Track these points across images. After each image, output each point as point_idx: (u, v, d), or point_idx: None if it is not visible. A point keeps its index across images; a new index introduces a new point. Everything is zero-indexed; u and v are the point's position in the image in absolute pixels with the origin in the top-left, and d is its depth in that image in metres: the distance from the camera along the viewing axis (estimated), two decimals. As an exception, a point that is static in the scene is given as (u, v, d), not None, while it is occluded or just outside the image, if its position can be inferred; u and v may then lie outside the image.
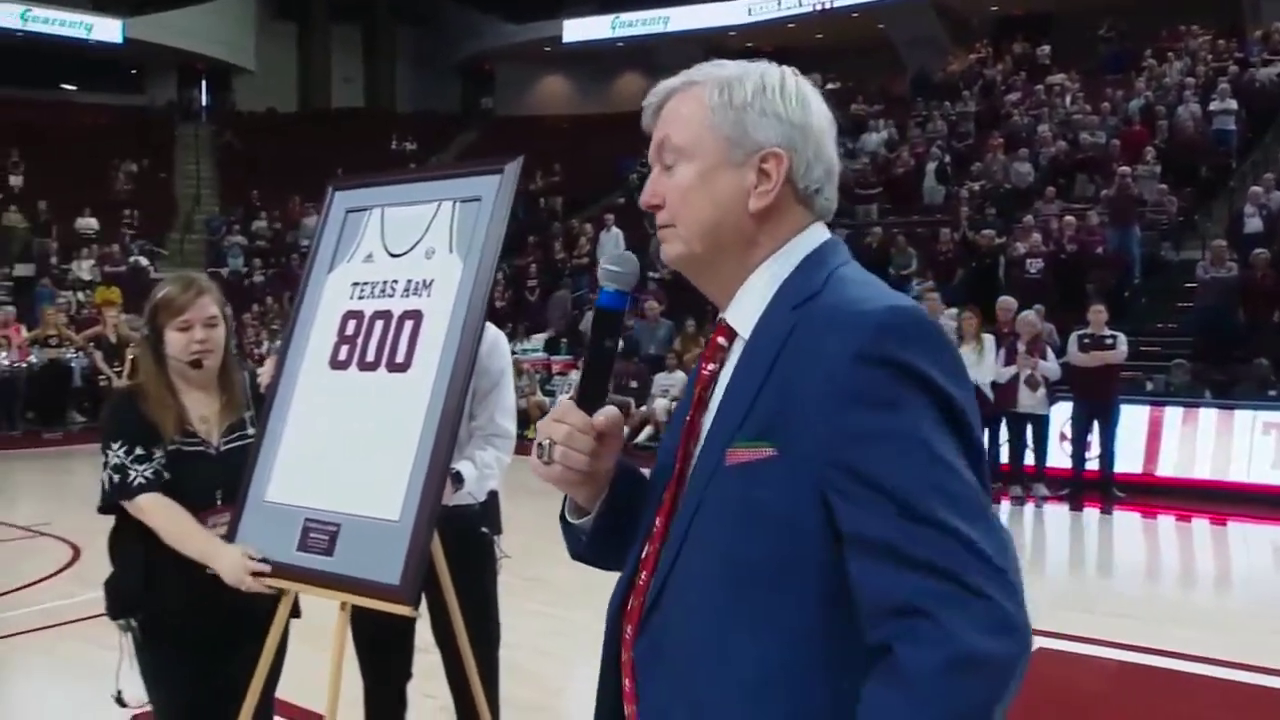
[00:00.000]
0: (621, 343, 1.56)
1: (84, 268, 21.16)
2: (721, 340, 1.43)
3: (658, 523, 1.42)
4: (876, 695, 1.19)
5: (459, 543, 3.14)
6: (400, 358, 2.67)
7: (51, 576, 7.30)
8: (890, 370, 1.24)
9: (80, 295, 19.90)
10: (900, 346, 1.24)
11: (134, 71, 31.76)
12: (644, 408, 14.09)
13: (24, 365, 16.03)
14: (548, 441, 1.44)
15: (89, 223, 23.03)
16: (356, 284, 2.82)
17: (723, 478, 1.31)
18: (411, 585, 2.47)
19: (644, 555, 1.43)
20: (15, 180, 24.69)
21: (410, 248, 2.73)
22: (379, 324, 2.74)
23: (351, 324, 2.69)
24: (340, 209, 2.93)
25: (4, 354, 15.71)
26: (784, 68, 1.45)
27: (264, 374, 2.88)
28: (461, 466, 3.16)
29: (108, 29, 29.26)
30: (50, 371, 16.20)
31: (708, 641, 1.31)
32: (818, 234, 1.42)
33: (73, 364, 16.28)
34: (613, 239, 18.28)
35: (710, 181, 1.40)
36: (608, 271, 1.50)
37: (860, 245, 17.50)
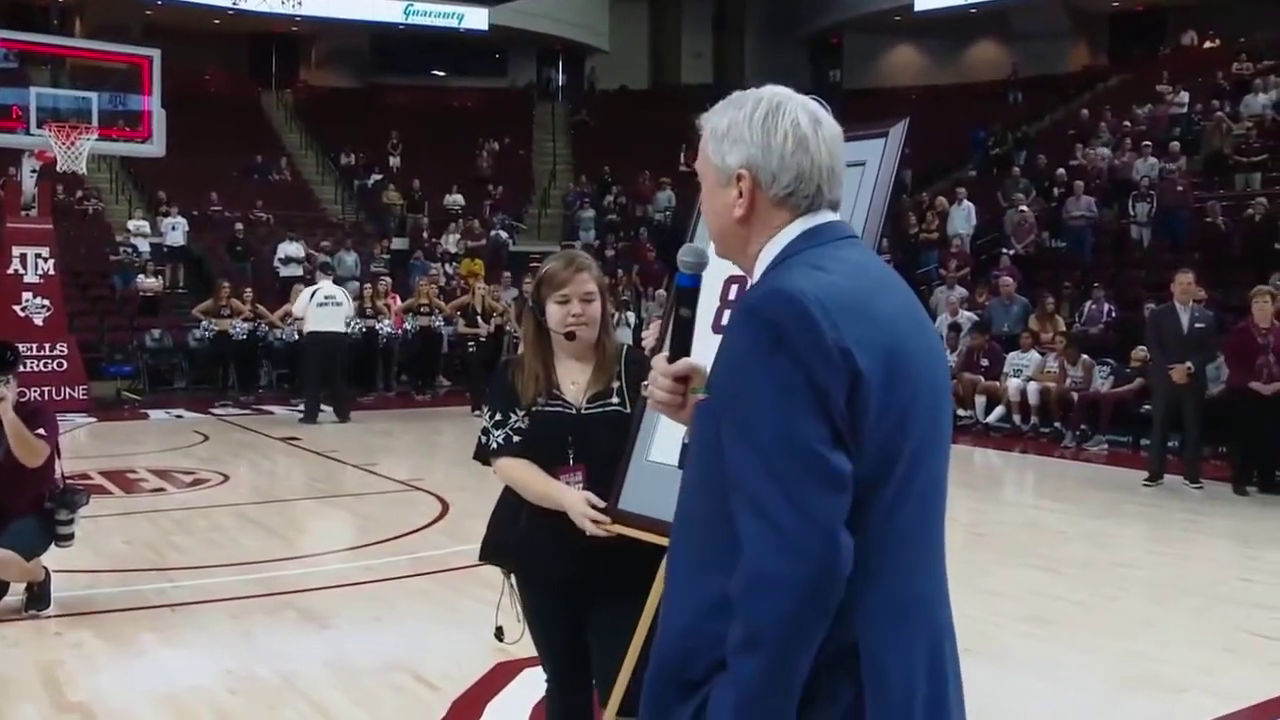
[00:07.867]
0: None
1: (451, 241, 22.49)
2: None
3: None
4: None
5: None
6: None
7: (424, 528, 7.83)
8: (752, 337, 1.57)
9: (448, 267, 21.16)
10: (761, 318, 1.57)
11: (497, 56, 33.56)
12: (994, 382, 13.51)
13: (399, 332, 17.29)
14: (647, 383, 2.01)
15: (456, 199, 24.48)
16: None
17: (695, 416, 1.75)
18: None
19: None
20: (394, 161, 26.68)
21: (792, 213, 2.65)
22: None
23: (734, 289, 2.61)
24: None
25: (383, 321, 16.99)
26: (768, 95, 1.77)
27: (647, 338, 2.92)
28: None
29: (476, 17, 31.18)
30: (422, 338, 17.40)
31: (679, 540, 1.76)
32: (798, 227, 1.75)
33: (442, 331, 17.43)
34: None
35: (712, 200, 1.82)
36: (684, 261, 2.00)
37: (1240, 218, 16.06)
